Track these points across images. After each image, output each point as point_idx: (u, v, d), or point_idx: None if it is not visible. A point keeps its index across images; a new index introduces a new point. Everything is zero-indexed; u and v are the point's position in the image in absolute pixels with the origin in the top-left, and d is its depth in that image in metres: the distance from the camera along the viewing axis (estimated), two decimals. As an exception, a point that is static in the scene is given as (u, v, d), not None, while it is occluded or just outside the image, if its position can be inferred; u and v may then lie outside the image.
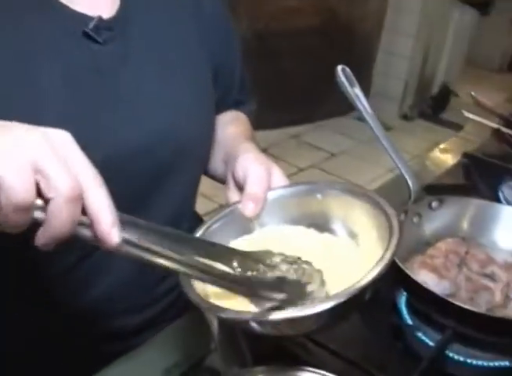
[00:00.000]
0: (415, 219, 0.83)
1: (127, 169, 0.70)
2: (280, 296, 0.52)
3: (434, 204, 0.85)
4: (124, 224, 0.45)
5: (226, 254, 0.55)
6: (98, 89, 0.68)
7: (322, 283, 0.56)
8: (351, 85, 0.89)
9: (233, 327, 0.58)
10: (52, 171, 0.42)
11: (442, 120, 4.01)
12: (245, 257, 0.56)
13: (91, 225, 0.43)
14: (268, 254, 0.58)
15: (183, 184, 0.81)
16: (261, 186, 0.64)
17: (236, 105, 0.95)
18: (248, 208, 0.64)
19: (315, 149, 3.45)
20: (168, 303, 0.86)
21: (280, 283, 0.53)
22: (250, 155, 0.69)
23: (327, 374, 0.51)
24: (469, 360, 0.70)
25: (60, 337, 0.77)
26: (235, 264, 0.54)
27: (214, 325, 0.57)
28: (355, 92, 0.89)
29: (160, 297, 0.85)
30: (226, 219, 0.65)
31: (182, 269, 0.48)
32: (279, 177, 0.67)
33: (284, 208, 0.67)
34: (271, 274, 0.55)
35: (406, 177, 0.83)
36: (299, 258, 0.58)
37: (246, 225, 0.66)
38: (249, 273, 0.54)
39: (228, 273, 0.53)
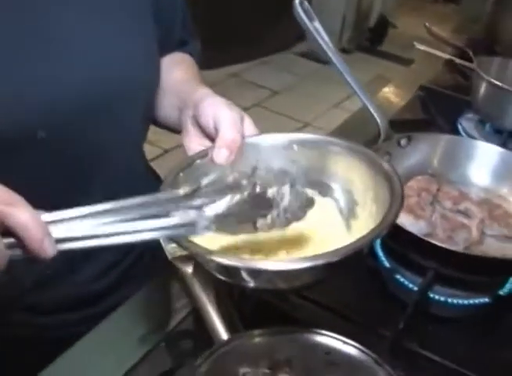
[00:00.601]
0: (385, 158, 0.80)
1: (64, 115, 0.63)
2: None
3: (402, 141, 0.83)
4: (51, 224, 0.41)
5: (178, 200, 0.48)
6: (24, 28, 0.60)
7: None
8: (310, 19, 0.85)
9: (217, 285, 0.54)
10: None
11: (381, 51, 4.01)
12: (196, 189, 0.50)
13: (22, 245, 0.40)
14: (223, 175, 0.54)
15: (129, 132, 0.75)
16: (237, 131, 0.58)
17: (180, 46, 0.88)
18: (221, 155, 0.58)
19: (256, 87, 3.37)
20: (134, 258, 0.82)
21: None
22: (216, 100, 0.63)
23: (325, 332, 0.48)
24: (449, 300, 0.69)
25: (20, 314, 0.72)
26: (198, 202, 0.48)
27: (196, 284, 0.53)
28: (315, 26, 0.85)
29: (123, 256, 0.80)
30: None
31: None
32: (250, 125, 0.62)
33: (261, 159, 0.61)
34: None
35: (375, 115, 0.79)
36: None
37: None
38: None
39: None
